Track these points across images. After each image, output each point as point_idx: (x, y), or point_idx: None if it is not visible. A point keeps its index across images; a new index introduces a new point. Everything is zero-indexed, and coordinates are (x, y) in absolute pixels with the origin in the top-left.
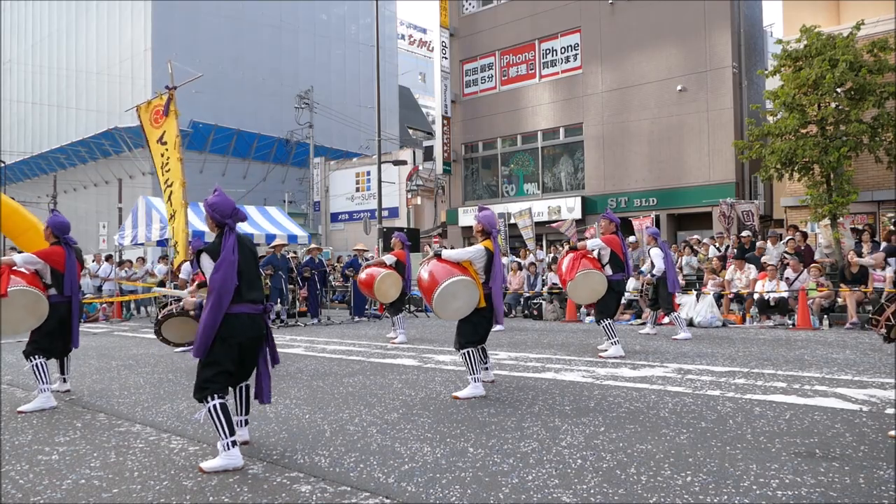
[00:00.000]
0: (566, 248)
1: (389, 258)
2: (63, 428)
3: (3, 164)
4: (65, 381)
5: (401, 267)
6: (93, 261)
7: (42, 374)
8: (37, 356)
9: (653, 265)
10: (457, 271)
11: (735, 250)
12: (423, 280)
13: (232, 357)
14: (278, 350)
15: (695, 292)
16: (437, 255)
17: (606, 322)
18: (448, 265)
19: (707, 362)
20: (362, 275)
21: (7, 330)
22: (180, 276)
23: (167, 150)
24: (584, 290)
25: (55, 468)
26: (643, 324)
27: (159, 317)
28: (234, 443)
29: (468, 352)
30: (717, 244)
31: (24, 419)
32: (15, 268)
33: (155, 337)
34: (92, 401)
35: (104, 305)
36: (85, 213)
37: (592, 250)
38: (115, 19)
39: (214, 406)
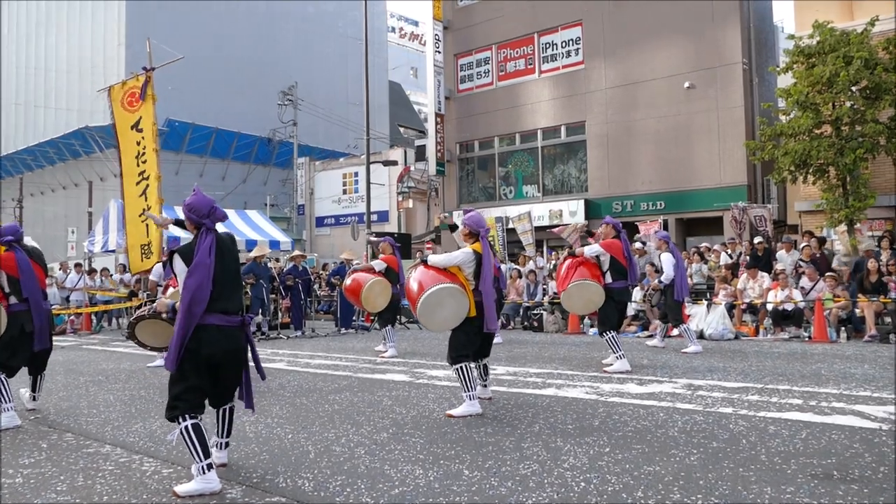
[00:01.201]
0: (565, 253)
1: (379, 264)
2: (28, 449)
3: None
4: (34, 398)
5: (392, 274)
6: (59, 269)
7: (3, 392)
8: None
9: (661, 271)
10: (444, 278)
11: (748, 258)
12: (410, 289)
13: (200, 372)
14: None
15: (705, 302)
16: (424, 262)
17: (610, 335)
18: (435, 272)
19: (718, 377)
20: (348, 281)
21: None
22: (150, 277)
23: (143, 138)
24: (578, 301)
25: (19, 492)
26: (651, 336)
27: (131, 320)
28: (209, 466)
29: (462, 367)
30: (729, 251)
31: None
32: None
33: (128, 341)
34: (58, 420)
35: (72, 317)
36: (53, 217)
37: (591, 257)
38: (88, 12)
39: (186, 427)
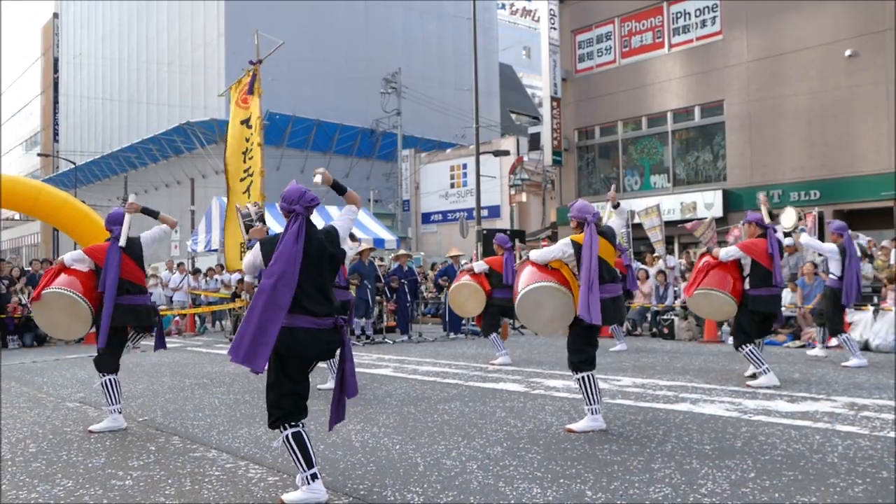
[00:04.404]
0: (702, 250)
1: (480, 266)
2: (137, 451)
3: (73, 165)
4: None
5: (494, 277)
6: (165, 269)
7: (111, 394)
8: (105, 372)
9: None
10: (544, 276)
11: None
12: (516, 290)
13: (293, 377)
14: (364, 371)
15: (871, 308)
16: (528, 258)
17: (747, 349)
18: (536, 269)
19: (888, 396)
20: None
21: (58, 333)
22: (245, 279)
23: (252, 133)
24: (707, 308)
25: (129, 494)
26: (804, 346)
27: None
28: (314, 476)
29: (585, 376)
30: None
31: (97, 440)
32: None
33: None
34: (165, 422)
35: (177, 318)
36: None
37: (727, 260)
38: (186, 3)
39: (287, 436)
